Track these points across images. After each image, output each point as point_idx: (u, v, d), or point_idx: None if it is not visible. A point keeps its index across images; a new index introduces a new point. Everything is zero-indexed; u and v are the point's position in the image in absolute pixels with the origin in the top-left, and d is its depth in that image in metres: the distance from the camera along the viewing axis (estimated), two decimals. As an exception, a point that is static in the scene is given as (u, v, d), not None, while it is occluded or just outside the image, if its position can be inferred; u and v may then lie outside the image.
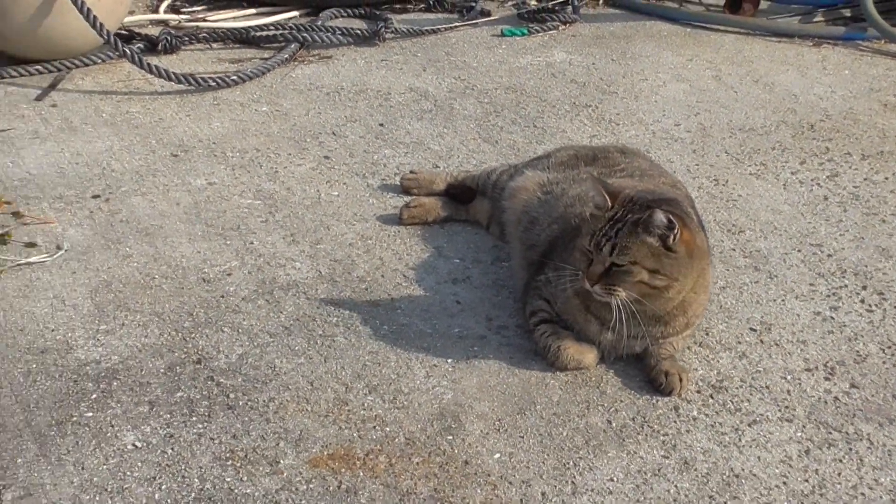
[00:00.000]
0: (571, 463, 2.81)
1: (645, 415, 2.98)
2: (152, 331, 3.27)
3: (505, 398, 3.03)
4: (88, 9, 4.94)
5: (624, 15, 6.17)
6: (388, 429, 2.90)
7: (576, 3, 6.05)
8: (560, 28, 5.87)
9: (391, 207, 3.97)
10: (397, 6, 6.10)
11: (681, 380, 3.07)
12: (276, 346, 3.21)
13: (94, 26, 4.96)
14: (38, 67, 5.11)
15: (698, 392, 3.08)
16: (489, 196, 3.86)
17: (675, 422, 2.96)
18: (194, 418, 2.91)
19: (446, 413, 2.96)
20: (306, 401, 2.99)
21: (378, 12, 5.92)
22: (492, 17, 5.97)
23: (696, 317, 3.17)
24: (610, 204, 2.99)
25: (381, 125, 4.66)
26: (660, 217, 2.91)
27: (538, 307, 3.25)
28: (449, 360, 3.17)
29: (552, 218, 3.44)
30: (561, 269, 3.16)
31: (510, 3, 6.24)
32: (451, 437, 2.88)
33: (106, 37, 4.98)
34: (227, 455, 2.78)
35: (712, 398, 3.05)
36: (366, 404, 2.99)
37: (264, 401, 2.98)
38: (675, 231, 2.92)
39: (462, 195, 3.95)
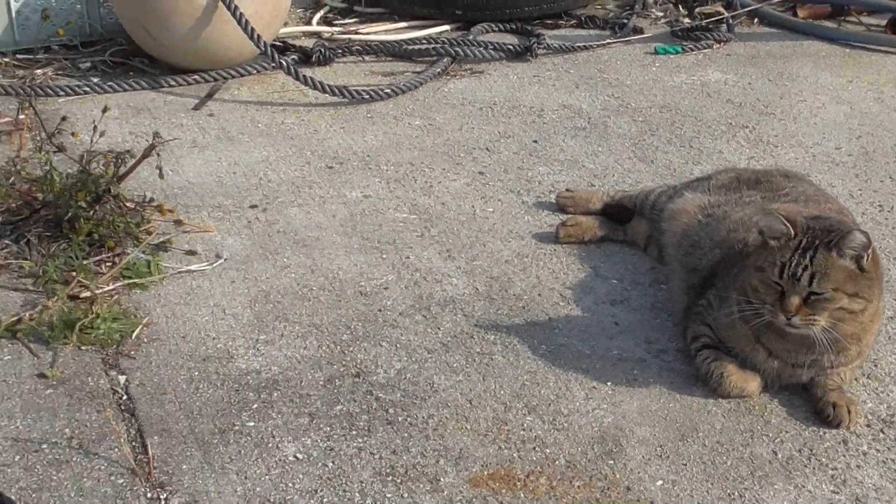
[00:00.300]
0: (737, 494, 2.74)
1: (812, 447, 2.90)
2: (311, 342, 3.28)
3: (666, 424, 2.97)
4: (247, 20, 5.01)
5: (780, 34, 6.04)
6: (548, 450, 2.86)
7: (730, 21, 5.96)
8: (714, 47, 5.78)
9: (546, 225, 3.94)
10: (549, 22, 6.07)
11: (849, 412, 2.98)
12: (435, 363, 3.19)
13: (251, 38, 5.02)
14: (196, 77, 5.19)
15: (868, 426, 2.98)
16: (647, 217, 3.81)
17: (843, 456, 2.87)
18: (354, 432, 2.90)
19: (607, 437, 2.91)
20: (465, 419, 2.97)
21: (530, 28, 5.89)
22: (644, 35, 5.90)
23: (868, 346, 3.09)
24: (793, 232, 2.91)
25: (535, 142, 4.63)
26: (859, 237, 2.84)
27: (700, 332, 3.18)
28: (608, 383, 3.13)
29: (714, 242, 3.37)
30: (725, 296, 3.10)
31: (663, 20, 6.16)
32: (612, 462, 2.83)
33: (263, 48, 5.04)
34: (388, 471, 2.77)
35: (883, 433, 2.96)
36: (525, 424, 2.95)
37: (423, 417, 2.97)
38: (869, 250, 2.85)
39: (619, 215, 3.90)
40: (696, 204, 3.57)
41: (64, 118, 4.02)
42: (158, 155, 3.72)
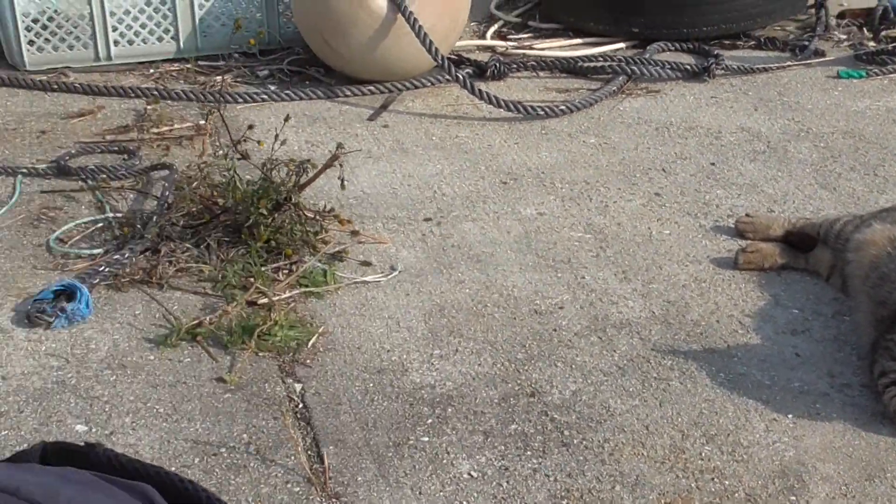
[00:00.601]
0: (927, 539, 2.63)
1: None
2: (485, 359, 3.26)
3: (851, 462, 2.87)
4: (425, 33, 5.03)
5: (971, 60, 5.82)
6: (726, 482, 2.79)
7: (918, 46, 5.77)
8: (900, 72, 5.60)
9: (725, 250, 3.86)
10: (726, 42, 5.95)
11: None
12: (610, 386, 3.14)
13: (429, 50, 5.04)
14: (371, 88, 5.23)
15: None
16: (831, 246, 3.69)
17: None
18: (529, 453, 2.87)
19: (788, 471, 2.83)
20: (642, 445, 2.91)
21: (707, 48, 5.78)
22: (826, 58, 5.74)
23: None
24: None
25: (713, 164, 4.54)
26: None
27: (889, 367, 3.07)
28: (790, 416, 3.04)
29: (905, 276, 3.26)
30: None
31: (846, 43, 5.99)
32: (793, 498, 2.75)
33: (440, 61, 5.05)
34: (563, 494, 2.74)
35: None
36: (703, 454, 2.89)
37: (599, 441, 2.92)
38: None
39: (801, 243, 3.80)
40: (886, 235, 3.46)
41: (251, 126, 4.08)
42: (341, 166, 3.75)
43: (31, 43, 5.52)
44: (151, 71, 5.60)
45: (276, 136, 3.88)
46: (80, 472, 1.11)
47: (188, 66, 5.59)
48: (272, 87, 5.35)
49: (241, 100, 5.11)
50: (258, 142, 3.89)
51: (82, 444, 1.20)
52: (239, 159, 3.84)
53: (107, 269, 3.63)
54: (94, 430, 2.94)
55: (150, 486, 1.11)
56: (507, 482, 2.77)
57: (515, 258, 3.80)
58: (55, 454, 1.18)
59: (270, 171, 3.74)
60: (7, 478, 1.07)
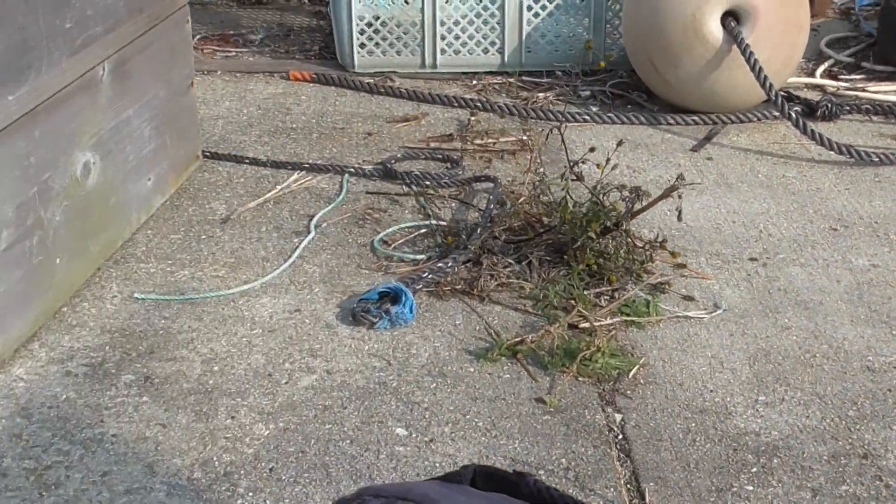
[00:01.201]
0: None
1: None
2: (813, 412, 3.11)
3: None
4: (760, 67, 4.89)
5: None
6: None
7: None
8: None
9: None
10: None
11: None
12: (949, 458, 2.95)
13: (762, 85, 4.90)
14: (695, 118, 5.13)
15: None
16: None
17: None
18: (860, 518, 2.72)
19: None
20: (981, 526, 2.72)
21: None
22: None
23: None
24: None
25: None
26: None
27: None
28: None
29: None
30: None
31: None
32: None
33: (772, 97, 4.90)
34: (897, 568, 2.58)
35: None
36: None
37: (935, 516, 2.74)
38: None
39: None
40: None
41: (592, 149, 4.03)
42: (679, 197, 3.67)
43: (362, 46, 5.67)
44: (474, 82, 5.67)
45: (608, 159, 3.84)
46: (513, 500, 1.07)
47: (510, 80, 5.63)
48: (594, 109, 5.33)
49: (562, 118, 5.10)
50: (597, 165, 3.85)
51: (511, 471, 1.17)
52: (573, 180, 3.80)
53: (430, 276, 3.65)
54: (413, 435, 2.95)
55: (585, 525, 1.06)
56: (838, 546, 2.63)
57: (846, 309, 3.63)
58: (484, 478, 1.14)
59: (602, 195, 3.69)
60: (437, 494, 1.04)
